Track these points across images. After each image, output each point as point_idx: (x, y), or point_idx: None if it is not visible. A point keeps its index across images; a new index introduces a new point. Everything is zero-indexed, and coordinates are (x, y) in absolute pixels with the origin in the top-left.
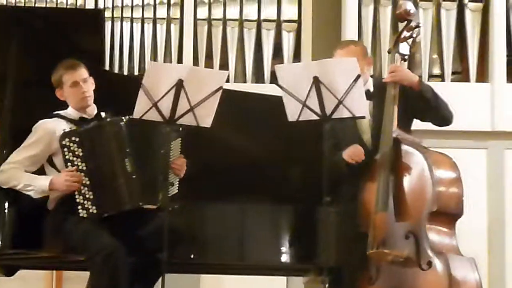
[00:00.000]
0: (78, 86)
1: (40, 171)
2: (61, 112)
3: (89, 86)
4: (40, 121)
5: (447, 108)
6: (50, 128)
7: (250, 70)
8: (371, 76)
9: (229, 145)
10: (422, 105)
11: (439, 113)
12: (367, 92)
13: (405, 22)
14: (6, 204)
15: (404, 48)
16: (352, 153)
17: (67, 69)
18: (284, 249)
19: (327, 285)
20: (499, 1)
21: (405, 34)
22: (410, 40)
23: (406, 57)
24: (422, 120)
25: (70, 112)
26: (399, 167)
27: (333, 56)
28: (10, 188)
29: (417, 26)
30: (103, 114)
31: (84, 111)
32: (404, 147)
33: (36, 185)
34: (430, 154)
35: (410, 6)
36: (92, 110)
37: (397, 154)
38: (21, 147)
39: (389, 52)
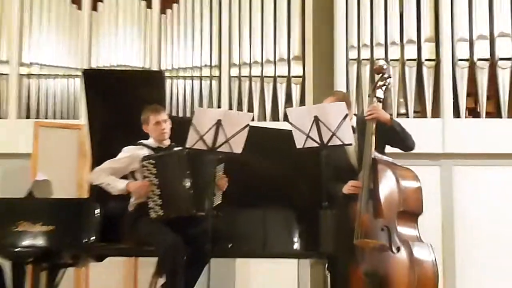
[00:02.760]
0: (159, 125)
1: None
2: (144, 142)
3: (167, 126)
4: (129, 146)
5: (411, 139)
6: (134, 153)
7: (269, 112)
8: (355, 115)
9: (255, 167)
10: (392, 136)
11: (405, 143)
12: (352, 127)
13: (380, 74)
14: (97, 210)
15: (379, 93)
16: (353, 187)
17: (152, 112)
18: (295, 240)
19: (326, 265)
20: (447, 59)
21: (380, 83)
22: (384, 87)
23: (381, 100)
24: (392, 146)
25: (151, 142)
26: (376, 180)
27: (327, 101)
28: (100, 193)
29: (389, 77)
30: (173, 143)
31: (161, 143)
32: (379, 166)
33: (116, 185)
34: (398, 169)
35: (383, 63)
36: (167, 141)
37: (374, 171)
38: (110, 160)
39: (369, 96)
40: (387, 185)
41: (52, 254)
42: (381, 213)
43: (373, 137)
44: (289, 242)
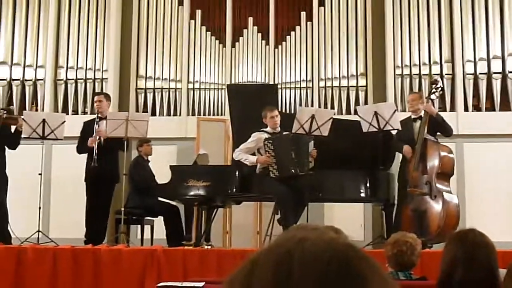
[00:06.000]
0: (273, 119)
1: None
2: (264, 129)
3: (278, 119)
4: (255, 132)
5: (450, 128)
6: (259, 136)
7: (344, 109)
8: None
9: (336, 143)
10: (438, 125)
11: (446, 130)
12: (420, 117)
13: (434, 84)
14: (236, 172)
15: (433, 96)
16: (407, 150)
17: (269, 110)
18: (362, 190)
19: (382, 207)
20: (459, 74)
21: (434, 90)
22: (436, 93)
23: (434, 101)
24: (439, 132)
25: (268, 129)
26: (425, 151)
27: (409, 96)
28: (238, 162)
29: (440, 87)
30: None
31: (274, 129)
32: (428, 142)
33: (250, 159)
34: (439, 145)
35: (438, 78)
36: (278, 129)
37: (425, 145)
38: (244, 143)
39: (426, 98)
40: (432, 155)
41: (209, 199)
42: (426, 172)
43: (426, 124)
44: (358, 192)
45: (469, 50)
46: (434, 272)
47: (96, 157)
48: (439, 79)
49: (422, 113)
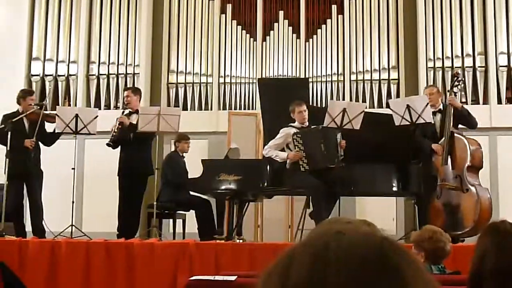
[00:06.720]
0: (301, 113)
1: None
2: (292, 124)
3: (306, 113)
4: (284, 128)
5: (475, 121)
6: (287, 131)
7: (376, 103)
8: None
9: (368, 136)
10: (463, 118)
11: (470, 123)
12: (440, 110)
13: (456, 77)
14: (268, 167)
15: (455, 89)
16: (437, 149)
17: (297, 105)
18: (394, 184)
19: (414, 201)
20: (492, 66)
21: (456, 83)
22: (458, 86)
23: (456, 94)
24: (462, 125)
25: (296, 124)
26: (453, 144)
27: (426, 90)
28: (269, 159)
29: (461, 79)
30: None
31: (302, 124)
32: (456, 136)
33: (280, 155)
34: (467, 138)
35: (459, 71)
36: (306, 123)
37: (452, 139)
38: (273, 139)
39: (449, 91)
40: (460, 149)
41: (240, 193)
42: (455, 166)
43: (451, 117)
44: (390, 185)
45: (502, 42)
46: (467, 266)
47: (114, 137)
48: (460, 71)
49: (441, 106)
